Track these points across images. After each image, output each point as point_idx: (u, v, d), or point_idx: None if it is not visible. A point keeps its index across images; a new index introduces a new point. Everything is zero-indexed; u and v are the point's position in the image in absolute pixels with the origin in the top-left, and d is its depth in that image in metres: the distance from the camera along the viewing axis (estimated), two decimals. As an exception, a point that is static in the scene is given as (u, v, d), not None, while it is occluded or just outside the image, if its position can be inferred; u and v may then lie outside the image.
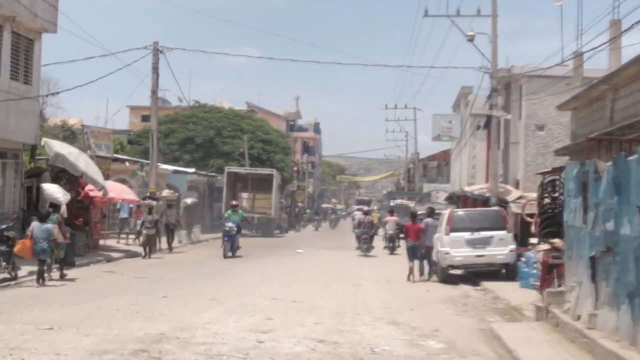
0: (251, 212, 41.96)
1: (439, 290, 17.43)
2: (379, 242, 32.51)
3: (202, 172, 44.68)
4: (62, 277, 17.37)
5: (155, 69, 29.57)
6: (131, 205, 29.64)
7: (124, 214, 30.82)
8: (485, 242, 19.02)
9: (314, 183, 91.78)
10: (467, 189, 29.58)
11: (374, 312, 13.29)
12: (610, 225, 9.16)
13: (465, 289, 17.92)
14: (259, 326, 11.15)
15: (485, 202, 24.15)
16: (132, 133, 52.73)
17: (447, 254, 19.03)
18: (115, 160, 31.57)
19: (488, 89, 25.29)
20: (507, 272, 18.95)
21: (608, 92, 16.66)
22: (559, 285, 12.28)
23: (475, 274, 19.53)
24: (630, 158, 8.69)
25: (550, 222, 15.96)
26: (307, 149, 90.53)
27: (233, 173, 43.80)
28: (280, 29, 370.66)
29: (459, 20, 25.43)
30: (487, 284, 17.78)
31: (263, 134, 52.80)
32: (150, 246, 25.04)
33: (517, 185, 28.08)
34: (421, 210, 28.15)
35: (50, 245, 16.60)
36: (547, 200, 16.90)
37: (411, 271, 19.43)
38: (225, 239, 25.60)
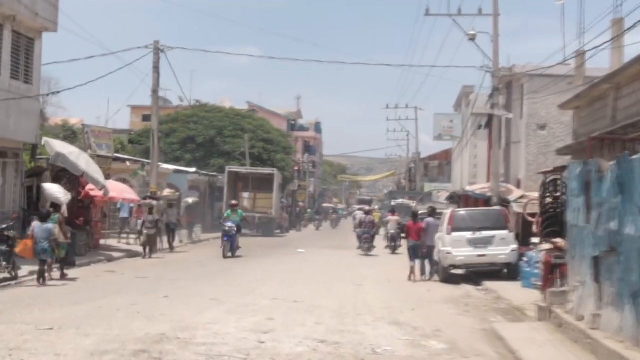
0: (252, 211, 41.98)
1: (441, 290, 17.39)
2: (380, 241, 32.51)
3: (203, 172, 44.67)
4: (63, 277, 17.34)
5: (156, 69, 29.54)
6: (132, 205, 29.62)
7: (124, 214, 30.81)
8: (487, 241, 18.99)
9: (315, 183, 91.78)
10: (468, 188, 29.52)
11: (376, 312, 13.24)
12: (613, 225, 9.11)
13: (467, 288, 17.87)
14: (260, 326, 11.11)
15: (486, 201, 24.10)
16: (133, 133, 52.71)
17: (448, 253, 18.99)
18: (116, 159, 31.54)
19: (489, 88, 25.22)
20: (508, 272, 18.90)
21: (610, 91, 16.61)
22: (562, 285, 12.23)
23: (477, 274, 19.48)
24: (634, 157, 8.65)
25: (552, 221, 15.90)
26: (308, 148, 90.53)
27: (234, 173, 43.78)
28: (281, 28, 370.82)
29: (460, 19, 25.41)
30: (488, 284, 17.74)
31: (264, 134, 52.77)
32: (151, 246, 25.01)
33: (518, 184, 28.01)
34: (422, 209, 28.12)
35: (51, 245, 16.57)
36: (548, 200, 16.83)
37: (412, 271, 19.38)
38: (225, 239, 25.50)
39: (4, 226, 17.12)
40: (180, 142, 49.53)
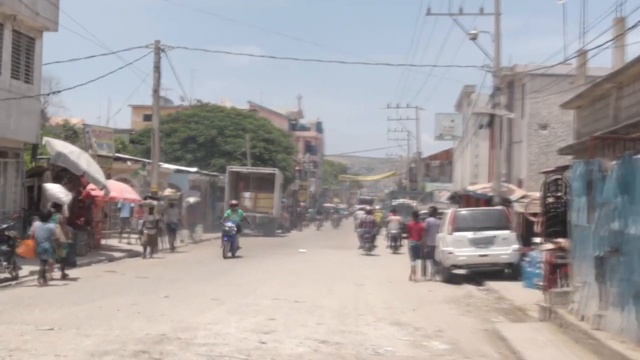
0: (253, 211, 41.97)
1: (442, 290, 17.35)
2: (381, 241, 32.48)
3: (204, 172, 44.67)
4: (64, 277, 17.31)
5: (157, 68, 29.52)
6: (132, 204, 29.59)
7: (124, 214, 30.78)
8: (489, 241, 18.94)
9: (316, 182, 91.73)
10: (469, 188, 29.48)
11: (377, 312, 13.21)
12: (616, 225, 9.06)
13: (468, 288, 17.83)
14: (261, 327, 11.07)
15: (488, 201, 24.07)
16: (134, 132, 52.74)
17: (450, 253, 18.94)
18: (117, 159, 31.52)
19: (491, 87, 25.21)
20: (510, 271, 18.85)
21: (612, 91, 16.54)
22: (564, 286, 12.18)
23: (478, 274, 19.43)
24: (637, 157, 8.60)
25: (554, 221, 15.85)
26: (309, 148, 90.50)
27: (235, 172, 43.77)
28: (281, 28, 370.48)
29: (461, 18, 25.41)
30: (490, 284, 17.70)
31: (265, 133, 52.76)
32: (151, 246, 24.99)
33: (520, 184, 27.96)
34: (423, 209, 28.08)
35: (52, 245, 16.54)
36: (550, 200, 16.79)
37: (413, 271, 19.34)
38: (225, 239, 25.41)
39: (4, 226, 17.11)
40: (181, 142, 49.53)
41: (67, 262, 17.97)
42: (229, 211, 27.17)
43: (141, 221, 26.34)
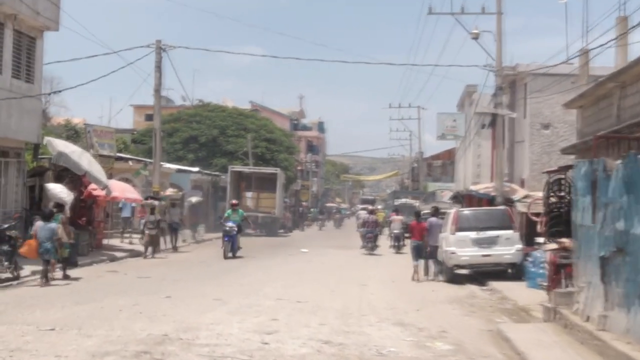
0: (255, 211, 41.96)
1: (445, 290, 17.29)
2: (384, 241, 32.44)
3: (206, 171, 44.63)
4: (65, 277, 17.27)
5: (159, 68, 29.49)
6: (134, 204, 29.55)
7: (126, 214, 30.76)
8: (492, 241, 18.89)
9: (318, 182, 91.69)
10: (472, 188, 29.41)
11: (380, 312, 13.15)
12: (620, 225, 9.00)
13: (471, 288, 17.78)
14: (263, 327, 11.02)
15: (490, 201, 24.01)
16: (135, 132, 52.71)
17: (453, 253, 18.89)
18: (119, 159, 31.50)
19: (493, 87, 25.12)
20: (514, 271, 18.79)
21: (615, 90, 16.47)
22: (568, 286, 12.13)
23: (481, 274, 19.37)
24: (641, 156, 8.54)
25: (557, 221, 15.78)
26: (311, 148, 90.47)
27: (237, 172, 43.74)
28: (283, 28, 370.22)
29: (463, 18, 25.35)
30: (494, 284, 17.65)
31: (267, 133, 52.74)
32: (153, 246, 24.95)
33: (522, 184, 27.90)
34: (426, 209, 28.04)
35: (55, 245, 16.50)
36: (553, 200, 16.73)
37: (416, 271, 19.29)
38: (226, 239, 25.28)
39: (5, 226, 17.07)
40: (182, 142, 49.51)
41: (69, 262, 17.93)
42: (229, 211, 27.06)
43: (143, 221, 26.30)
